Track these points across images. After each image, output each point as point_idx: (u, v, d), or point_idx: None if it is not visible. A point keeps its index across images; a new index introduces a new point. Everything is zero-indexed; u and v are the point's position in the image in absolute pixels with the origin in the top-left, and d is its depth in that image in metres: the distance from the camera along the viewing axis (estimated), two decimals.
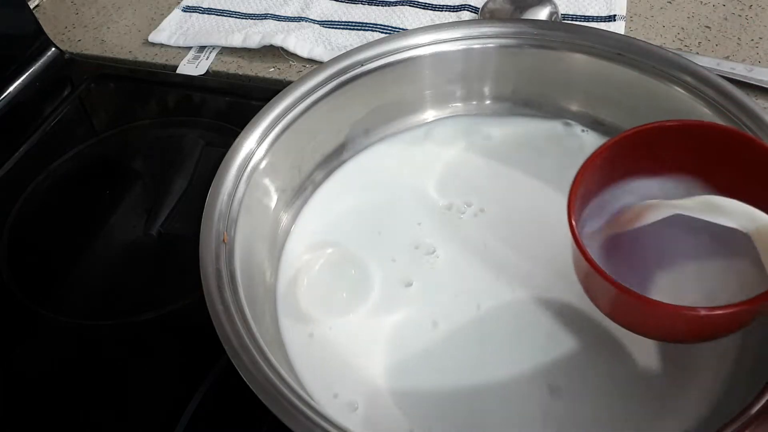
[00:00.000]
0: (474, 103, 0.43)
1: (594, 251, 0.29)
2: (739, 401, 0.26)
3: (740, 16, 0.51)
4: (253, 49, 0.54)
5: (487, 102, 0.43)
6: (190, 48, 0.55)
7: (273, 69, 0.53)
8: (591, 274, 0.28)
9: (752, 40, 0.49)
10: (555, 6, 0.51)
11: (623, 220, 0.30)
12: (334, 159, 0.41)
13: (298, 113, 0.38)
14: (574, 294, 0.32)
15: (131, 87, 0.54)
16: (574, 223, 0.28)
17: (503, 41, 0.40)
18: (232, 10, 0.58)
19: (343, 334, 0.34)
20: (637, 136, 0.30)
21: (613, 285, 0.27)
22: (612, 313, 0.30)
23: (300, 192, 0.40)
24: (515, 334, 0.33)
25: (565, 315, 0.33)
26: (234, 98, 0.51)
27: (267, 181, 0.37)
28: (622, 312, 0.30)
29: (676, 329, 0.29)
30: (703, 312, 0.25)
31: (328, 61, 0.40)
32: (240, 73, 0.53)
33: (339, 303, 0.35)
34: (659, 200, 0.29)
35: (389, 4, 0.56)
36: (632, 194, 0.31)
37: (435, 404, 0.31)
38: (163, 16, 0.59)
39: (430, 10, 0.55)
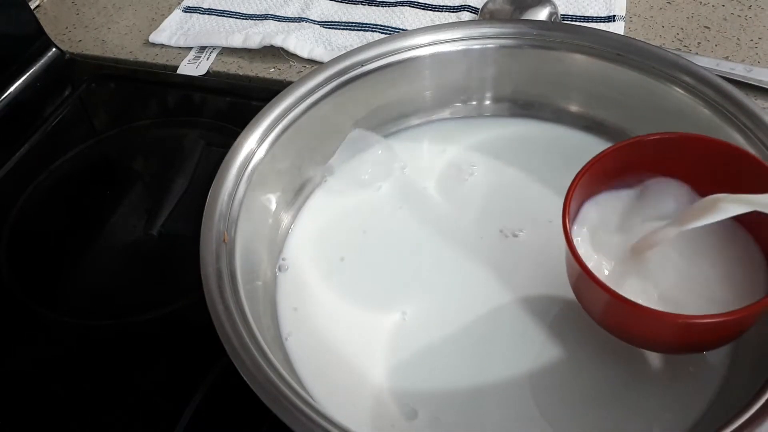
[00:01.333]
0: (473, 103, 0.43)
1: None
2: (738, 400, 0.27)
3: (739, 16, 0.52)
4: (254, 50, 0.54)
5: (487, 102, 0.43)
6: (190, 48, 0.56)
7: (273, 69, 0.53)
8: (581, 276, 0.27)
9: (751, 40, 0.49)
10: (554, 6, 0.51)
11: (684, 217, 0.28)
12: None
13: (299, 114, 0.38)
14: (572, 295, 0.32)
15: (132, 87, 0.54)
16: (567, 223, 0.28)
17: (503, 42, 0.40)
18: (232, 10, 0.58)
19: (343, 332, 0.34)
20: (638, 145, 0.31)
21: (601, 287, 0.26)
22: (603, 320, 0.30)
23: (300, 192, 0.40)
24: (512, 334, 0.33)
25: (565, 315, 0.33)
26: (234, 98, 0.51)
27: (267, 182, 0.37)
28: (612, 318, 0.30)
29: (665, 337, 0.29)
30: (690, 320, 0.26)
31: (329, 61, 0.40)
32: (240, 74, 0.53)
33: None
34: (730, 194, 0.27)
35: (389, 5, 0.56)
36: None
37: (434, 403, 0.31)
38: (164, 16, 0.59)
39: (430, 10, 0.55)
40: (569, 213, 0.29)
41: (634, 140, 0.31)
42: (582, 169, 0.30)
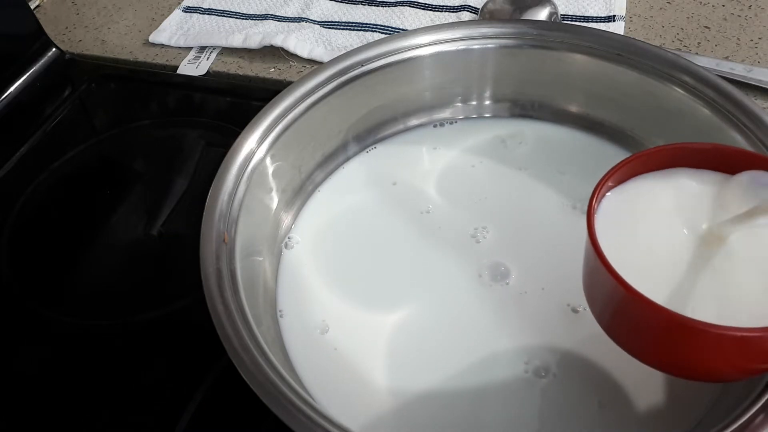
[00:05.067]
0: (473, 103, 0.43)
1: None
2: (738, 401, 0.27)
3: (739, 16, 0.52)
4: (254, 50, 0.54)
5: (487, 102, 0.43)
6: (190, 48, 0.56)
7: (273, 69, 0.53)
8: (597, 269, 0.24)
9: (751, 40, 0.49)
10: (554, 6, 0.51)
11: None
12: (334, 159, 0.41)
13: (299, 113, 0.38)
14: (571, 293, 0.32)
15: (132, 87, 0.54)
16: (593, 209, 0.26)
17: (503, 42, 0.40)
18: (232, 10, 0.58)
19: (344, 332, 0.34)
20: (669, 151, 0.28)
21: (620, 284, 0.23)
22: (617, 328, 0.27)
23: (300, 192, 0.40)
24: (517, 333, 0.33)
25: (564, 313, 0.33)
26: (234, 98, 0.51)
27: (267, 182, 0.37)
28: (628, 327, 0.27)
29: (688, 354, 0.25)
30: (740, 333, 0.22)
31: (329, 61, 0.40)
32: (240, 74, 0.53)
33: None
34: None
35: (389, 5, 0.56)
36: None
37: (435, 403, 0.31)
38: (164, 16, 0.59)
39: (430, 10, 0.55)
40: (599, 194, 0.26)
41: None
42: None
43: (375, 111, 0.42)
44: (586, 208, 0.26)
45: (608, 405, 0.31)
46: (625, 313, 0.26)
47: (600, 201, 0.27)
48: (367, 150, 0.42)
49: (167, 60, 0.55)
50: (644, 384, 0.31)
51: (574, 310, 0.33)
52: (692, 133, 0.35)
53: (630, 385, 0.31)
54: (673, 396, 0.30)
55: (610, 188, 0.28)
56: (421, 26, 0.49)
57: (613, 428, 0.30)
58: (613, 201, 0.28)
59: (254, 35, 0.54)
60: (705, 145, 0.28)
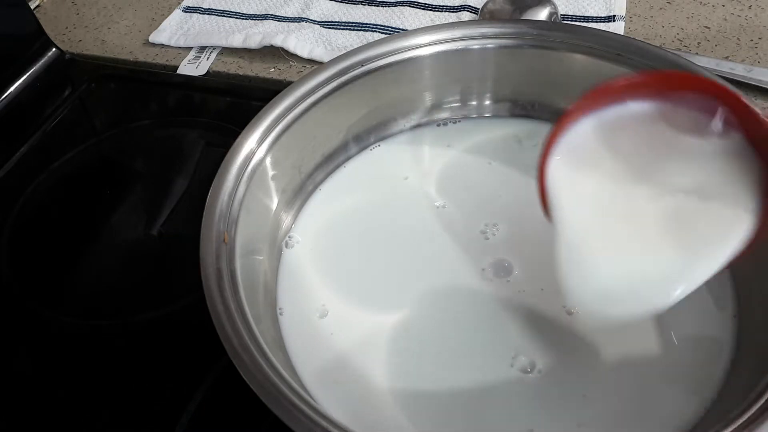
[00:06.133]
0: (473, 103, 0.43)
1: None
2: (738, 401, 0.27)
3: (739, 16, 0.52)
4: (254, 50, 0.54)
5: (487, 102, 0.43)
6: (190, 48, 0.56)
7: (273, 69, 0.53)
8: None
9: (751, 40, 0.49)
10: (554, 6, 0.51)
11: None
12: (334, 159, 0.41)
13: (299, 113, 0.38)
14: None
15: (132, 87, 0.54)
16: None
17: (503, 42, 0.40)
18: (232, 10, 0.58)
19: (344, 332, 0.34)
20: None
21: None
22: None
23: (300, 192, 0.40)
24: (517, 331, 0.33)
25: (559, 314, 0.33)
26: (234, 98, 0.51)
27: (267, 181, 0.37)
28: None
29: None
30: None
31: (329, 61, 0.40)
32: (240, 74, 0.53)
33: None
34: None
35: (389, 5, 0.56)
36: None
37: (435, 406, 0.32)
38: (164, 16, 0.59)
39: (430, 10, 0.55)
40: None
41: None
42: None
43: (375, 111, 0.42)
44: None
45: (601, 402, 0.31)
46: None
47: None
48: (370, 148, 0.42)
49: (167, 60, 0.55)
50: (642, 384, 0.31)
51: (569, 312, 0.33)
52: None
53: (626, 385, 0.31)
54: (673, 395, 0.30)
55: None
56: (421, 26, 0.49)
57: (609, 427, 0.30)
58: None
59: (254, 35, 0.54)
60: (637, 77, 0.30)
